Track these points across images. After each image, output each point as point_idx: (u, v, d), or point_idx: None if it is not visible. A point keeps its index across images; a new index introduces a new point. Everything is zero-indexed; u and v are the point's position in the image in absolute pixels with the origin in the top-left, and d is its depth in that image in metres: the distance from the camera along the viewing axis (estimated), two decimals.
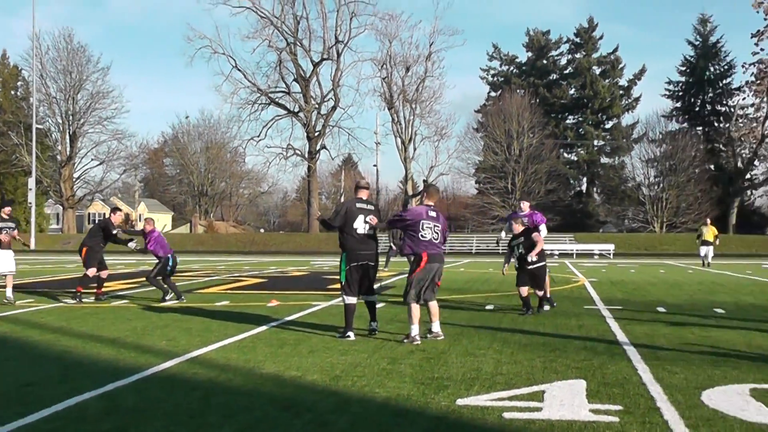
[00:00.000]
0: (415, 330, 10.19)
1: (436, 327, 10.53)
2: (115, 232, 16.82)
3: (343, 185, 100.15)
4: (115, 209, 17.70)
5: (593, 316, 13.35)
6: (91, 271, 16.45)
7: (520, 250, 13.74)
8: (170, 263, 16.36)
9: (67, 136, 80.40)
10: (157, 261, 16.40)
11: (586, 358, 8.95)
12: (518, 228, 13.98)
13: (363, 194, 11.13)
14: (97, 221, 18.34)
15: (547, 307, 14.29)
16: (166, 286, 16.22)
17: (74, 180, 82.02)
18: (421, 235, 10.31)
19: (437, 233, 10.44)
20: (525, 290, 13.53)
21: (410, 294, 10.33)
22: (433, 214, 10.49)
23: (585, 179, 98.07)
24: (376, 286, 11.40)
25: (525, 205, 15.95)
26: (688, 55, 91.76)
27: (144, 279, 17.00)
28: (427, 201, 10.77)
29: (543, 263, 13.87)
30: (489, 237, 68.06)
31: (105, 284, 17.12)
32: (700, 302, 16.20)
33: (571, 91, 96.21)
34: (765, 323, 12.48)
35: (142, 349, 9.74)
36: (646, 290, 19.53)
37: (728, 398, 6.82)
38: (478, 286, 21.12)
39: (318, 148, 78.12)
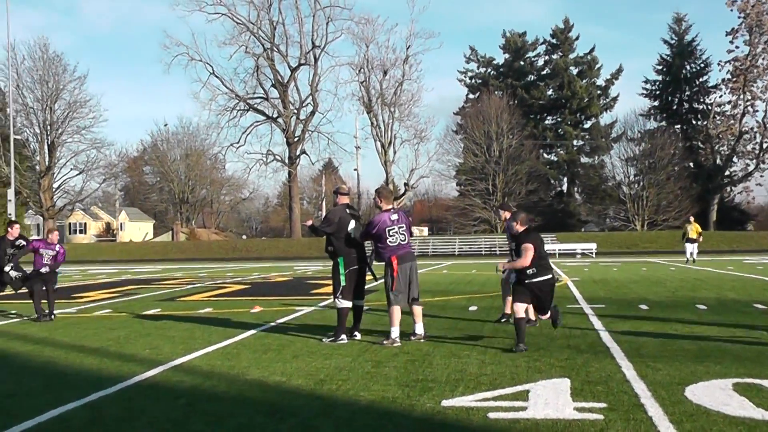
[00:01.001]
0: (395, 332, 10.21)
1: (419, 329, 10.55)
2: (10, 251, 14.61)
3: (324, 190, 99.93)
4: (11, 222, 15.37)
5: (576, 315, 13.37)
6: None
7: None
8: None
9: (46, 146, 79.77)
10: (31, 271, 14.60)
11: (570, 356, 8.97)
12: (519, 227, 10.12)
13: (346, 200, 11.16)
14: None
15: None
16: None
17: (54, 190, 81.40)
18: (389, 241, 10.40)
19: (403, 234, 10.51)
20: (521, 308, 9.65)
21: (391, 298, 10.35)
22: (395, 217, 10.52)
23: (565, 179, 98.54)
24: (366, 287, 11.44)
25: (504, 214, 12.72)
26: (664, 54, 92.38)
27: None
28: (385, 205, 10.73)
29: (546, 277, 9.87)
30: (471, 238, 68.20)
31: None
32: (683, 299, 16.28)
33: (549, 92, 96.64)
34: (747, 318, 12.55)
35: (126, 358, 9.70)
36: (629, 288, 19.60)
37: (711, 393, 6.85)
38: (461, 287, 21.14)
39: (298, 153, 78.06)
